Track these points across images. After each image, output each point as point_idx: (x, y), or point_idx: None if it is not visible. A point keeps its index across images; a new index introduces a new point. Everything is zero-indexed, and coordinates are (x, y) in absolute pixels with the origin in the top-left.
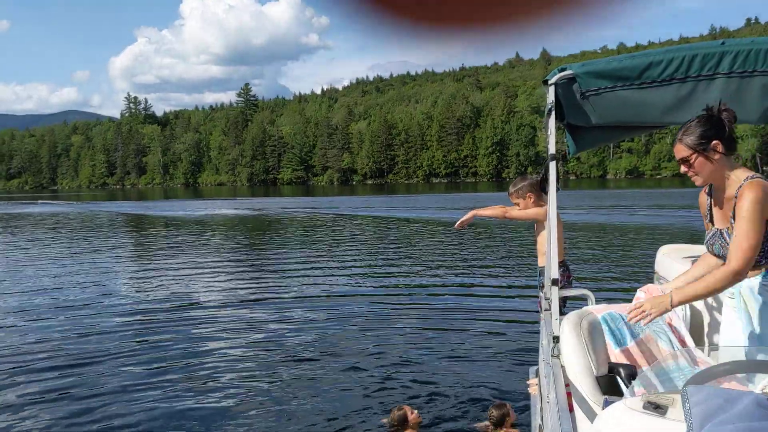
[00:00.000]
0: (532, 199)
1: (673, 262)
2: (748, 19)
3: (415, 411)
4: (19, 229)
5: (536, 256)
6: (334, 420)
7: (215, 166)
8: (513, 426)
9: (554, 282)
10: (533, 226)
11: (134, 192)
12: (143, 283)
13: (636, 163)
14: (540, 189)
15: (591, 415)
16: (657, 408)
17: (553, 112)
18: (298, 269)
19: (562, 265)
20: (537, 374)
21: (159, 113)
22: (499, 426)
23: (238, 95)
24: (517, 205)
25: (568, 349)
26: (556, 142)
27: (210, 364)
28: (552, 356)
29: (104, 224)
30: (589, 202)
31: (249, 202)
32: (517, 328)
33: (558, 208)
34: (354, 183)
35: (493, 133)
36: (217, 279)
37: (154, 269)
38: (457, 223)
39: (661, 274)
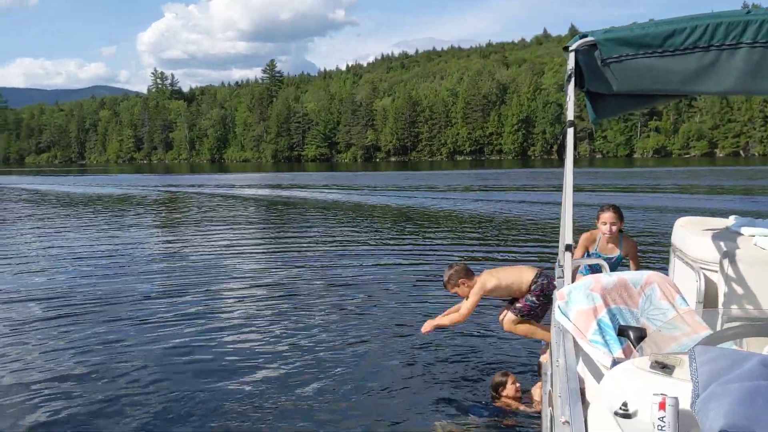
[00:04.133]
0: (466, 282)
1: (690, 234)
2: None
3: (517, 383)
4: (51, 203)
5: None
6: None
7: (240, 143)
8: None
9: (567, 248)
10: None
11: (161, 167)
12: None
13: (664, 142)
14: (558, 157)
15: (600, 377)
16: (664, 368)
17: (573, 79)
18: (322, 247)
19: None
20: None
21: (185, 89)
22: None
23: (264, 71)
24: (458, 294)
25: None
26: (582, 119)
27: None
28: (561, 321)
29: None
30: (612, 181)
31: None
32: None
33: (579, 186)
34: (377, 160)
35: (519, 111)
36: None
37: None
38: (422, 329)
39: (678, 246)
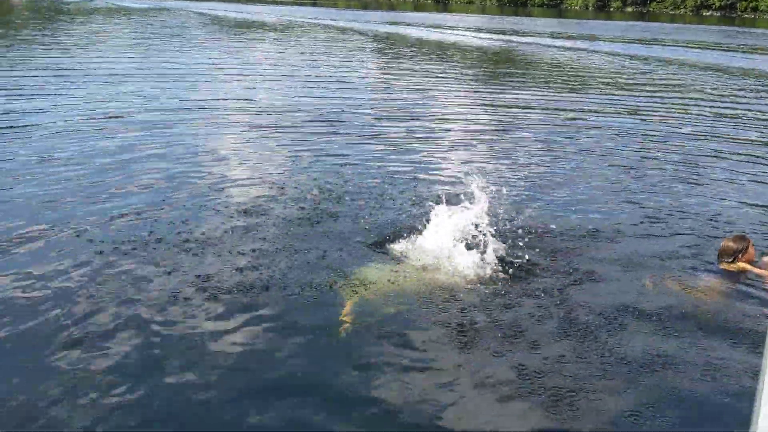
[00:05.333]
0: None
1: None
2: None
3: (754, 246)
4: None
5: None
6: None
7: None
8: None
9: None
10: None
11: (385, 4)
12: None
13: None
14: None
15: None
16: None
17: None
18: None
19: None
20: None
21: None
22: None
23: None
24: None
25: None
26: None
27: None
28: None
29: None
30: None
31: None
32: None
33: None
34: (611, 9)
35: None
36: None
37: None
38: None
39: None
